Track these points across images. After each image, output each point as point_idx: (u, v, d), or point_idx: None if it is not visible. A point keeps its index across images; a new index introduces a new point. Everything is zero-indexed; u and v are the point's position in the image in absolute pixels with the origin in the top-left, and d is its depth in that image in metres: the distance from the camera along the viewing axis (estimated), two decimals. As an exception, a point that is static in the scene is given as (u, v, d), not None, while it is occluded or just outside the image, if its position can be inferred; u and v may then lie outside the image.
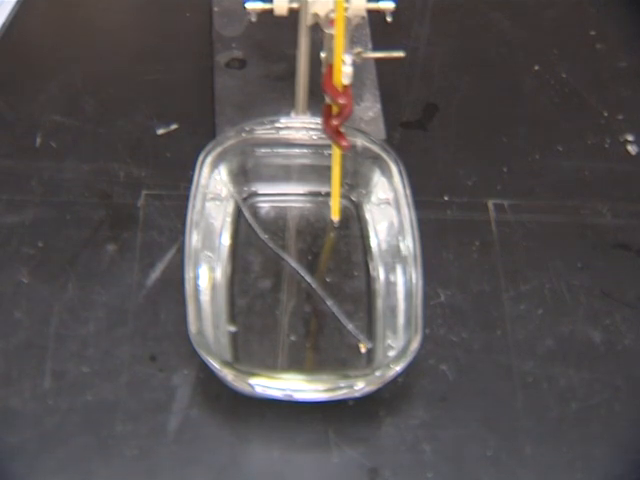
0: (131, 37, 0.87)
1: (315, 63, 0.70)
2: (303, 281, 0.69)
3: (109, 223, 0.72)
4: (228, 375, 0.59)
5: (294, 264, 0.69)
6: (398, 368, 0.59)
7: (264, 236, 0.71)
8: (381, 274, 0.69)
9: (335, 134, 0.66)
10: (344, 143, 0.66)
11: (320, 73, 0.68)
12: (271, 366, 0.64)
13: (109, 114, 0.79)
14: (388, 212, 0.70)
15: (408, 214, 0.67)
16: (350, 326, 0.66)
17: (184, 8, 0.88)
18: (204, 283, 0.65)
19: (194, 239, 0.65)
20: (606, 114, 0.82)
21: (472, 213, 0.74)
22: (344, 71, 0.63)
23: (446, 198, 0.75)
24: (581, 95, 0.84)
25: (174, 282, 0.66)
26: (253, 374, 0.59)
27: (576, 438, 0.63)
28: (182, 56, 0.84)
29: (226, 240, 0.71)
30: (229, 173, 0.72)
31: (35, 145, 0.76)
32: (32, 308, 0.66)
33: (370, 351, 0.65)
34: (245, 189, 0.73)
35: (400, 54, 0.69)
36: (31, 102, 0.79)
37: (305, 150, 0.73)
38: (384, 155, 0.70)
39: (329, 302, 0.67)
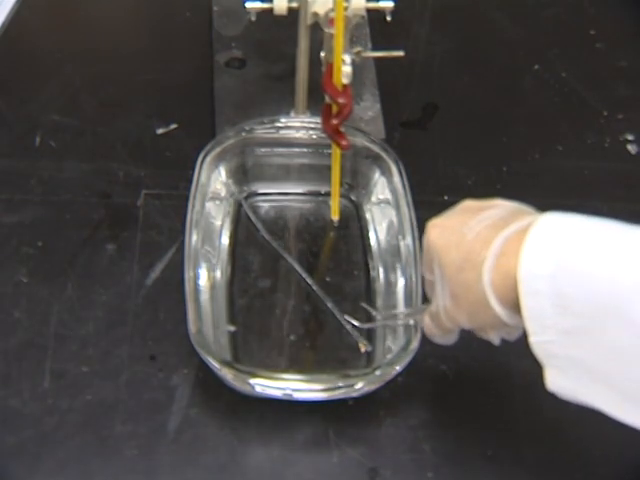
0: (131, 37, 0.87)
1: (315, 63, 0.70)
2: (303, 281, 0.69)
3: (108, 223, 0.72)
4: (228, 375, 0.59)
5: (296, 265, 0.69)
6: (398, 367, 0.59)
7: (267, 236, 0.71)
8: (381, 274, 0.69)
9: (335, 133, 0.66)
10: (344, 142, 0.66)
11: (320, 72, 0.67)
12: (271, 366, 0.64)
13: (108, 114, 0.79)
14: (388, 212, 0.70)
15: (408, 214, 0.67)
16: (349, 327, 0.66)
17: (184, 8, 0.88)
18: (204, 283, 0.65)
19: (194, 239, 0.65)
20: (606, 114, 0.82)
21: (472, 213, 0.74)
22: (343, 70, 0.63)
23: (446, 198, 0.75)
24: (581, 95, 0.84)
25: (174, 282, 0.66)
26: (253, 374, 0.59)
27: (576, 438, 0.63)
28: (182, 56, 0.84)
29: (226, 240, 0.70)
30: (229, 173, 0.72)
31: (35, 145, 0.76)
32: (32, 308, 0.66)
33: (370, 351, 0.65)
34: (245, 189, 0.73)
35: (400, 53, 0.69)
36: (31, 102, 0.79)
37: (305, 149, 0.73)
38: (384, 155, 0.70)
39: (329, 304, 0.67)
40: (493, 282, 0.46)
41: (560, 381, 0.46)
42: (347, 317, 0.65)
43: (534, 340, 0.45)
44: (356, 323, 0.65)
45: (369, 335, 0.65)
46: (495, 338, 0.53)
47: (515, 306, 0.46)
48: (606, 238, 0.44)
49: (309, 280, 0.68)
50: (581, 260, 0.43)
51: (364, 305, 0.65)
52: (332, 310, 0.67)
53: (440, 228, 0.51)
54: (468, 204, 0.52)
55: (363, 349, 0.65)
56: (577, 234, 0.45)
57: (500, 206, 0.50)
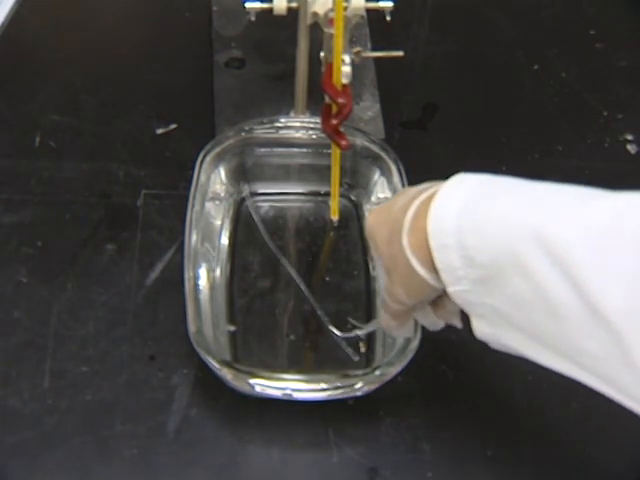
0: (131, 37, 0.87)
1: (314, 63, 0.70)
2: (302, 281, 0.69)
3: (108, 223, 0.72)
4: (228, 374, 0.59)
5: (291, 269, 0.69)
6: (397, 367, 0.59)
7: (268, 237, 0.71)
8: (380, 273, 0.69)
9: (334, 133, 0.66)
10: (343, 142, 0.66)
11: (320, 72, 0.67)
12: (270, 365, 0.64)
13: (108, 114, 0.79)
14: (388, 212, 0.70)
15: (408, 214, 0.66)
16: (339, 333, 0.66)
17: (184, 8, 0.88)
18: (203, 283, 0.65)
19: (194, 239, 0.65)
20: (606, 114, 0.82)
21: (472, 213, 0.74)
22: (343, 70, 0.63)
23: (446, 198, 0.75)
24: (581, 95, 0.84)
25: (173, 282, 0.66)
26: (252, 373, 0.59)
27: (576, 438, 0.63)
28: (182, 56, 0.84)
29: (225, 240, 0.70)
30: (228, 173, 0.72)
31: (34, 145, 0.76)
32: (32, 308, 0.66)
33: (370, 351, 0.65)
34: (245, 189, 0.73)
35: (399, 53, 0.69)
36: (30, 102, 0.79)
37: (304, 150, 0.73)
38: (383, 155, 0.70)
39: (319, 311, 0.67)
40: (411, 244, 0.48)
41: (483, 328, 0.47)
42: (331, 327, 0.65)
43: (451, 290, 0.47)
44: (339, 333, 0.65)
45: (369, 335, 0.65)
46: (453, 319, 0.54)
47: (434, 266, 0.47)
48: (504, 192, 0.46)
49: (302, 286, 0.68)
50: (480, 213, 0.45)
51: (350, 320, 0.66)
52: (322, 316, 0.67)
53: (375, 212, 0.53)
54: (405, 189, 0.53)
55: (363, 349, 0.65)
56: (479, 190, 0.46)
57: (428, 184, 0.51)
